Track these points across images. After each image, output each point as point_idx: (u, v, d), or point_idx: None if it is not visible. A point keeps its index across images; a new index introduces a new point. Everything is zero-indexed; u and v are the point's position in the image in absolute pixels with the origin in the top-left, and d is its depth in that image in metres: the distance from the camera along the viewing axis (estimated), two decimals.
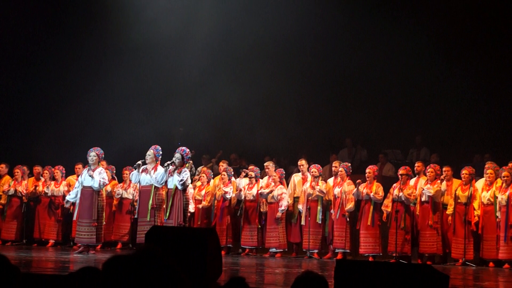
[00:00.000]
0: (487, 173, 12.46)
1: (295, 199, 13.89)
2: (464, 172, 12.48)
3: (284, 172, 14.30)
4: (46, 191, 14.65)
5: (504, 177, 12.08)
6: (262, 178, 14.24)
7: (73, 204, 13.11)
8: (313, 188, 13.43)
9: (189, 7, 16.74)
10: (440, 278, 4.88)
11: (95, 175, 12.27)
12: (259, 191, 13.76)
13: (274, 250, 13.70)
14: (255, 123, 16.67)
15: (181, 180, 11.87)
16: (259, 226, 13.78)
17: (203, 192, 14.15)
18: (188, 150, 12.30)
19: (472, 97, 15.58)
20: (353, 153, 16.76)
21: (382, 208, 12.86)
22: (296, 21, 16.31)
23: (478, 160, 14.54)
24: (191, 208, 13.30)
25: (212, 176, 14.61)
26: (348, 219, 13.09)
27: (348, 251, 13.18)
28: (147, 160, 12.26)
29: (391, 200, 12.80)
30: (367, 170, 13.13)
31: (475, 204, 12.30)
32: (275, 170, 14.08)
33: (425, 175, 12.86)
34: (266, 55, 16.97)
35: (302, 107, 17.42)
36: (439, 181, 12.72)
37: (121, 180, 14.54)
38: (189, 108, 16.43)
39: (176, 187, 11.92)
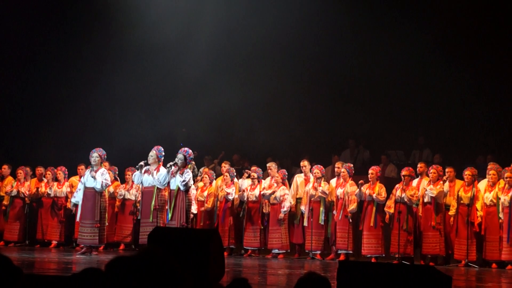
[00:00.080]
0: (490, 174, 12.44)
1: (298, 200, 13.88)
2: (467, 173, 12.47)
3: (286, 173, 14.29)
4: (49, 192, 14.66)
5: (506, 178, 12.07)
6: (264, 179, 14.23)
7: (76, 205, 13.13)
8: (315, 189, 13.42)
9: (191, 9, 16.75)
10: (443, 279, 4.89)
11: (98, 176, 12.27)
12: (262, 192, 13.76)
13: (276, 251, 13.69)
14: (257, 124, 16.67)
15: (183, 180, 11.86)
16: (262, 227, 13.78)
17: (205, 193, 14.15)
18: (190, 151, 12.29)
19: (475, 98, 15.55)
20: (356, 154, 16.74)
21: (385, 209, 12.85)
22: (298, 22, 16.30)
23: (481, 161, 14.52)
24: (194, 209, 13.29)
25: (215, 177, 14.61)
26: (350, 220, 13.08)
27: (350, 252, 13.17)
28: (150, 161, 12.27)
29: (394, 201, 12.79)
30: (370, 171, 13.12)
31: (478, 205, 12.28)
32: (277, 171, 14.08)
33: (428, 176, 12.84)
34: (269, 57, 16.97)
35: (304, 108, 17.42)
36: (441, 182, 12.70)
37: (123, 181, 14.55)
38: (191, 109, 16.43)
39: (179, 188, 11.91)
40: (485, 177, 12.77)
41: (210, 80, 16.70)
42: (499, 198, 12.12)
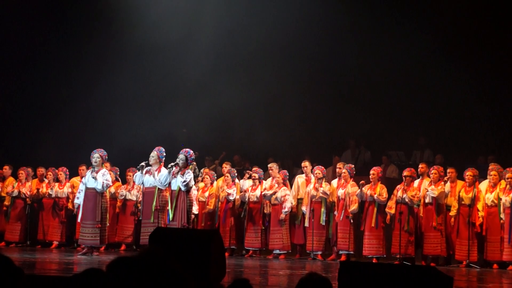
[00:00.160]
0: (491, 175, 12.45)
1: (299, 201, 13.88)
2: (468, 173, 12.47)
3: (287, 174, 14.30)
4: (50, 193, 14.67)
5: (508, 178, 12.06)
6: (265, 180, 14.24)
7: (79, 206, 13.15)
8: (316, 189, 13.42)
9: (191, 9, 16.75)
10: (444, 280, 4.88)
11: (99, 177, 12.27)
12: (263, 193, 13.77)
13: (277, 251, 13.69)
14: (258, 125, 16.66)
15: (184, 181, 11.86)
16: (263, 228, 13.78)
17: (206, 194, 14.15)
18: (192, 151, 12.30)
19: (475, 98, 15.54)
20: (357, 155, 16.74)
21: (386, 209, 12.85)
22: (298, 22, 16.30)
23: (482, 162, 14.51)
24: (195, 209, 13.30)
25: (216, 177, 14.61)
26: (351, 221, 13.08)
27: (352, 252, 13.17)
28: (151, 162, 12.27)
29: (395, 201, 12.79)
30: (371, 172, 13.12)
31: (479, 206, 12.28)
32: (278, 172, 14.08)
33: (429, 176, 12.84)
34: (269, 57, 16.96)
35: (304, 108, 17.41)
36: (442, 183, 12.70)
37: (124, 181, 14.55)
38: (192, 109, 16.43)
39: (180, 189, 11.91)
40: (486, 178, 12.78)
41: (210, 80, 16.69)
42: (500, 199, 12.12)
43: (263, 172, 14.36)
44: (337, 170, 13.78)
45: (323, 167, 13.76)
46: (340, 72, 16.70)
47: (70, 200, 14.56)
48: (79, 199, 12.62)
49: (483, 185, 12.67)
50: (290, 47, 17.07)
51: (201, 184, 14.27)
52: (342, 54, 16.41)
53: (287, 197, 13.67)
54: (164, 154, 12.42)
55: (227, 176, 14.09)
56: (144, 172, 12.25)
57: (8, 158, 15.98)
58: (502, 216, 12.09)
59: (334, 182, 13.74)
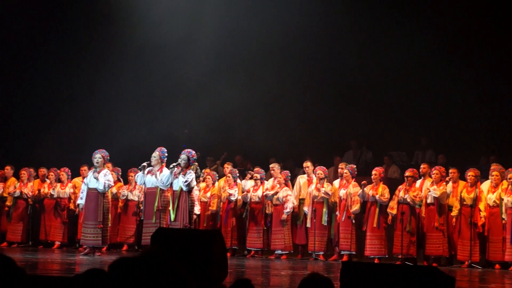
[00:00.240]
0: (493, 175, 12.44)
1: (301, 201, 13.88)
2: (470, 174, 12.46)
3: (289, 174, 14.29)
4: (52, 193, 14.68)
5: (510, 179, 12.06)
6: (267, 180, 14.24)
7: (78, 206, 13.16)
8: (318, 190, 13.42)
9: (192, 9, 16.75)
10: (446, 280, 4.88)
11: (100, 177, 12.28)
12: (264, 193, 13.77)
13: (279, 252, 13.69)
14: (259, 125, 16.65)
15: (186, 181, 11.85)
16: (265, 228, 13.78)
17: (208, 194, 14.16)
18: (194, 152, 12.30)
19: (476, 98, 15.54)
20: (359, 155, 16.73)
21: (387, 210, 12.84)
22: (298, 22, 16.29)
23: (484, 162, 14.49)
24: (197, 210, 13.30)
25: (217, 178, 14.62)
26: (353, 221, 13.08)
27: (353, 253, 13.17)
28: (152, 162, 12.27)
29: (397, 202, 12.78)
30: (373, 172, 13.12)
31: (481, 206, 12.27)
32: (280, 172, 14.08)
33: (431, 177, 12.84)
34: (269, 57, 16.96)
35: (305, 108, 17.41)
36: (444, 183, 12.70)
37: (126, 182, 14.55)
38: (192, 110, 16.44)
39: (182, 189, 11.91)
40: (487, 179, 12.77)
41: (210, 80, 16.70)
42: (502, 199, 12.11)
43: (265, 173, 14.36)
44: (339, 170, 13.78)
45: (325, 168, 13.76)
46: (341, 72, 16.69)
47: (72, 201, 14.57)
48: (82, 200, 12.62)
49: (485, 185, 12.67)
50: (290, 47, 17.06)
51: (202, 185, 14.27)
52: (342, 54, 16.41)
53: (289, 197, 13.67)
54: (166, 154, 12.42)
55: (229, 177, 14.09)
56: (146, 172, 12.26)
57: (10, 158, 15.99)
58: (504, 216, 12.08)
59: (336, 182, 13.74)
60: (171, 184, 12.03)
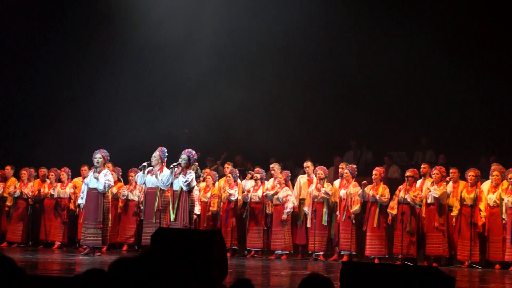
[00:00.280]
0: (493, 175, 12.44)
1: (301, 201, 13.88)
2: (470, 174, 12.46)
3: (289, 174, 14.29)
4: (52, 193, 14.68)
5: (510, 179, 12.06)
6: (267, 180, 14.24)
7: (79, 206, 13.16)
8: (318, 190, 13.42)
9: (192, 9, 16.75)
10: (446, 280, 4.88)
11: (101, 177, 12.28)
12: (264, 193, 13.77)
13: (279, 252, 13.69)
14: (259, 125, 16.65)
15: (186, 180, 11.85)
16: (265, 228, 13.78)
17: (208, 194, 14.16)
18: (194, 152, 12.30)
19: (477, 98, 15.54)
20: (359, 155, 16.73)
21: (388, 210, 12.84)
22: (298, 22, 16.29)
23: (484, 162, 14.50)
24: (197, 210, 13.30)
25: (218, 178, 14.62)
26: (353, 221, 13.08)
27: (354, 253, 13.17)
28: (153, 162, 12.27)
29: (397, 202, 12.78)
30: (374, 172, 13.12)
31: (481, 206, 12.28)
32: (280, 172, 14.08)
33: (431, 177, 12.83)
34: (270, 57, 16.96)
35: (305, 108, 17.41)
36: (444, 183, 12.70)
37: (126, 182, 14.55)
38: (192, 110, 16.44)
39: (182, 189, 11.91)
40: (488, 179, 12.77)
41: (210, 80, 16.69)
42: (503, 199, 12.12)
43: (265, 173, 14.36)
44: (340, 170, 13.78)
45: (325, 168, 13.76)
46: (341, 72, 16.69)
47: (72, 201, 14.57)
48: (83, 199, 12.62)
49: (485, 185, 12.67)
50: (290, 47, 17.07)
51: (202, 185, 14.27)
52: (342, 54, 16.41)
53: (289, 197, 13.67)
54: (166, 154, 12.42)
55: (229, 177, 14.09)
56: (146, 172, 12.26)
57: (10, 158, 15.99)
58: (504, 216, 12.09)
59: (336, 182, 13.74)
60: (171, 184, 12.03)
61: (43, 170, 15.14)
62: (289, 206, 13.61)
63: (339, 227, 13.22)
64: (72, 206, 14.53)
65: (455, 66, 15.79)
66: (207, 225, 14.01)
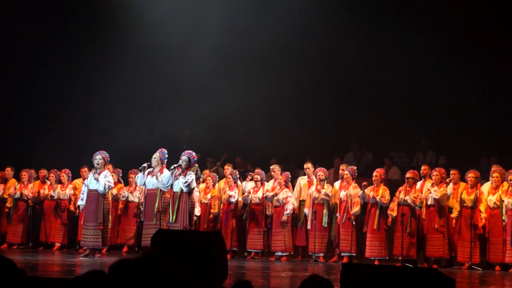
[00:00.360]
0: (493, 177, 12.43)
1: (301, 203, 13.87)
2: (470, 175, 12.45)
3: (289, 176, 14.28)
4: (52, 194, 14.67)
5: (510, 180, 12.06)
6: (268, 182, 14.23)
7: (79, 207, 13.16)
8: (318, 191, 13.41)
9: (193, 11, 16.76)
10: (446, 281, 4.88)
11: (101, 179, 12.28)
12: (265, 195, 13.76)
13: (279, 253, 13.69)
14: (260, 126, 16.65)
15: (186, 181, 11.84)
16: (265, 230, 13.77)
17: (208, 196, 14.15)
18: (194, 153, 12.29)
19: (477, 99, 15.53)
20: (359, 157, 16.72)
21: (388, 211, 12.83)
22: (299, 24, 16.28)
23: (484, 164, 14.49)
24: (197, 211, 13.29)
25: (218, 179, 14.61)
26: (354, 223, 13.07)
27: (354, 254, 13.16)
28: (153, 163, 12.26)
29: (397, 203, 12.77)
30: (374, 173, 13.11)
31: (482, 207, 12.27)
32: (281, 174, 14.07)
33: (431, 178, 12.83)
34: (270, 59, 16.95)
35: (305, 110, 17.39)
36: (444, 184, 12.69)
37: (127, 183, 14.55)
38: (192, 111, 16.43)
39: (182, 191, 11.90)
40: (488, 180, 12.76)
41: (211, 81, 16.69)
42: (503, 201, 12.11)
43: (265, 174, 14.36)
44: (340, 171, 13.78)
45: (325, 169, 13.76)
46: (341, 73, 16.68)
47: (72, 202, 14.57)
48: (83, 201, 12.61)
49: (485, 187, 12.67)
50: (290, 48, 17.06)
51: (202, 186, 14.27)
52: (342, 54, 16.40)
53: (289, 199, 13.66)
54: (167, 155, 12.41)
55: (229, 178, 14.08)
56: (146, 173, 12.25)
57: (10, 160, 15.99)
58: (504, 218, 12.08)
59: (337, 184, 13.73)
60: (172, 185, 12.03)
61: (43, 172, 15.13)
62: (289, 208, 13.60)
63: (339, 229, 13.21)
64: (72, 207, 14.53)
65: (455, 66, 15.78)
66: (207, 226, 14.00)
